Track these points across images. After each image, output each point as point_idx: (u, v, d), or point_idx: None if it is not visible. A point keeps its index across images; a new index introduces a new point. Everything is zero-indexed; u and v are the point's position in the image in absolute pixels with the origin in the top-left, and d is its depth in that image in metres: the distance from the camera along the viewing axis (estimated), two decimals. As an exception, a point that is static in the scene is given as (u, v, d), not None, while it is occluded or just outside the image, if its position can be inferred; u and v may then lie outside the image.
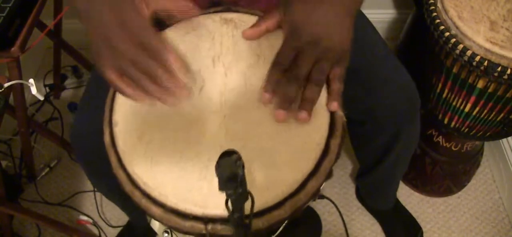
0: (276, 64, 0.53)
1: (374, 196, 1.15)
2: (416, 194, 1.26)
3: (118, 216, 1.21)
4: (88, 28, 0.52)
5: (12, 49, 0.86)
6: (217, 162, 0.38)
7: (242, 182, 0.38)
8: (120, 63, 0.49)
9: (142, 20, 0.51)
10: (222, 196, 0.38)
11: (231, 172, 0.37)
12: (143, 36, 0.50)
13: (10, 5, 0.87)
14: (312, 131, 0.51)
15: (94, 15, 0.51)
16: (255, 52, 0.58)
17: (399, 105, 0.77)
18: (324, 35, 0.51)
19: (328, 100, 0.53)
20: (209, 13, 0.63)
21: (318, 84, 0.51)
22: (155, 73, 0.49)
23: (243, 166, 0.38)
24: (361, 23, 0.83)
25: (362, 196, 1.22)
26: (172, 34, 0.61)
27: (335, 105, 0.52)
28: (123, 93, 0.51)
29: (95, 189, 1.24)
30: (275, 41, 0.59)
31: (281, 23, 0.57)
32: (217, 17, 0.62)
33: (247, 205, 0.41)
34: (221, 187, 0.38)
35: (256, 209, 0.45)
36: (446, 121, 0.99)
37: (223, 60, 0.58)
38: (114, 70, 0.50)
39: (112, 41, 0.49)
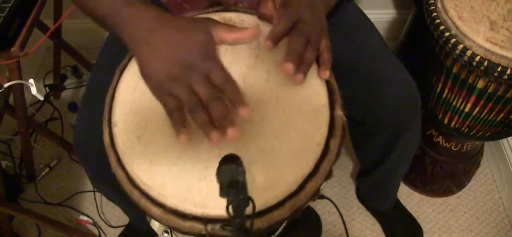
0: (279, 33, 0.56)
1: (375, 196, 1.15)
2: (416, 194, 1.25)
3: (118, 216, 1.21)
4: (149, 49, 0.51)
5: (12, 49, 0.86)
6: (218, 168, 0.38)
7: (243, 188, 0.38)
8: (190, 96, 0.48)
9: (223, 66, 0.50)
10: (222, 196, 0.38)
11: (232, 179, 0.37)
12: (225, 82, 0.49)
13: (10, 5, 0.87)
14: (311, 131, 0.51)
15: (165, 38, 0.51)
16: (254, 53, 0.58)
17: (400, 104, 0.77)
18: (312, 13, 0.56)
19: (320, 70, 0.55)
20: (208, 13, 0.63)
21: (316, 46, 0.54)
22: (221, 121, 0.47)
23: (244, 172, 0.38)
24: (362, 22, 0.83)
25: (362, 196, 1.22)
26: None
27: (327, 74, 0.55)
28: (179, 128, 0.48)
29: (96, 190, 1.24)
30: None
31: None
32: (216, 16, 0.62)
33: (248, 208, 0.41)
34: (222, 194, 0.38)
35: (256, 209, 0.45)
36: (446, 121, 0.99)
37: (222, 60, 0.57)
38: (177, 100, 0.49)
39: (193, 73, 0.48)
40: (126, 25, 0.53)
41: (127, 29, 0.53)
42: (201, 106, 0.48)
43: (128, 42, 0.53)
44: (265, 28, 0.61)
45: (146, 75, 0.51)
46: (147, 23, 0.52)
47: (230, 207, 0.39)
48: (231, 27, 0.54)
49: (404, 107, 0.78)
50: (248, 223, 0.41)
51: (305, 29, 0.54)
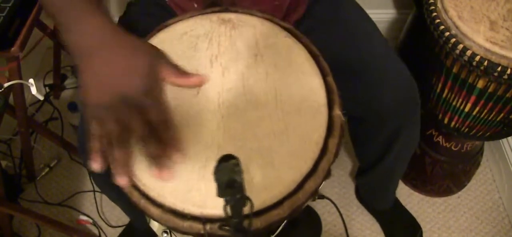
0: None
1: (374, 195, 1.14)
2: (416, 194, 1.25)
3: (118, 216, 1.21)
4: (87, 64, 0.46)
5: (12, 49, 0.86)
6: (215, 168, 0.38)
7: (241, 187, 0.38)
8: (117, 131, 0.43)
9: (164, 107, 0.46)
10: (221, 196, 0.38)
11: (229, 178, 0.37)
12: (161, 124, 0.44)
13: (10, 5, 0.87)
14: (310, 131, 0.51)
15: (107, 54, 0.46)
16: (252, 52, 0.58)
17: (399, 102, 0.77)
18: None
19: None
20: (207, 13, 0.63)
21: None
22: (159, 160, 0.44)
23: (242, 172, 0.38)
24: (361, 20, 0.83)
25: (361, 195, 1.22)
26: (169, 35, 0.61)
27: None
28: (92, 155, 0.44)
29: (98, 190, 1.24)
30: (273, 41, 0.59)
31: None
32: (214, 17, 0.62)
33: (246, 209, 0.40)
34: (220, 193, 0.38)
35: (254, 209, 0.45)
36: (446, 121, 0.99)
37: (220, 60, 0.58)
38: (104, 131, 0.44)
39: (128, 107, 0.43)
40: (74, 32, 0.48)
41: (75, 36, 0.48)
42: (128, 146, 0.44)
43: (72, 50, 0.48)
44: (265, 27, 0.61)
45: (82, 90, 0.46)
46: (96, 39, 0.47)
47: (227, 206, 0.39)
48: (178, 70, 0.49)
49: (404, 104, 0.78)
50: (246, 223, 0.41)
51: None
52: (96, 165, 0.44)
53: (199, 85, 0.51)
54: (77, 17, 0.48)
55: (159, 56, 0.49)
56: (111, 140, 0.43)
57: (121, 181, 0.43)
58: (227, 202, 0.38)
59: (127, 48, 0.47)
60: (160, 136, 0.44)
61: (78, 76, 0.47)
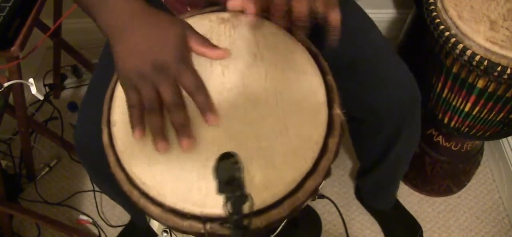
0: None
1: (374, 196, 1.14)
2: (416, 194, 1.25)
3: (117, 216, 1.21)
4: (122, 39, 0.51)
5: (12, 48, 0.85)
6: (215, 165, 0.38)
7: (241, 184, 0.38)
8: (152, 97, 0.49)
9: (195, 72, 0.51)
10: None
11: (229, 175, 0.37)
12: (195, 87, 0.50)
13: (10, 4, 0.87)
14: (310, 130, 0.51)
15: (141, 34, 0.51)
16: (252, 52, 0.58)
17: (400, 101, 0.77)
18: None
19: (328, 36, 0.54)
20: (206, 12, 0.63)
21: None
22: (180, 129, 0.49)
23: (242, 169, 0.38)
24: (362, 20, 0.83)
25: (362, 195, 1.22)
26: None
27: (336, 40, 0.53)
28: (133, 125, 0.50)
29: (98, 190, 1.24)
30: (273, 41, 0.59)
31: None
32: (214, 16, 0.62)
33: (246, 206, 0.40)
34: (220, 190, 0.38)
35: (254, 208, 0.45)
36: (446, 120, 0.99)
37: (220, 59, 0.57)
38: (138, 98, 0.49)
39: (162, 74, 0.49)
40: (105, 12, 0.53)
41: (106, 16, 0.53)
42: (160, 110, 0.49)
43: (104, 30, 0.53)
44: (265, 27, 0.61)
45: (116, 65, 0.52)
46: (126, 14, 0.52)
47: (227, 203, 0.38)
48: (204, 40, 0.56)
49: (404, 103, 0.78)
50: (246, 221, 0.41)
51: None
52: (138, 133, 0.49)
53: (221, 58, 0.56)
54: (112, 2, 0.53)
55: (186, 27, 0.54)
56: (146, 107, 0.49)
57: (160, 146, 0.48)
58: (227, 199, 0.38)
59: (157, 21, 0.53)
60: (194, 98, 0.50)
61: (113, 53, 0.52)
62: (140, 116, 0.49)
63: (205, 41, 0.56)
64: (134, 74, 0.50)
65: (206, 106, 0.50)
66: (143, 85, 0.49)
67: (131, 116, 0.50)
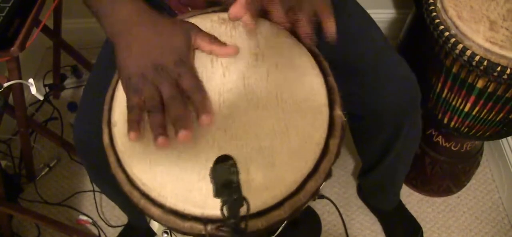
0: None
1: (375, 195, 1.14)
2: (416, 194, 1.26)
3: (117, 216, 1.21)
4: (124, 41, 0.53)
5: (12, 49, 0.85)
6: (212, 169, 0.38)
7: (237, 188, 0.38)
8: (153, 96, 0.50)
9: (195, 74, 0.53)
10: (221, 196, 0.38)
11: (225, 179, 0.37)
12: (193, 89, 0.50)
13: (9, 5, 0.87)
14: (311, 131, 0.51)
15: (143, 31, 0.53)
16: (253, 52, 0.58)
17: (400, 99, 0.76)
18: None
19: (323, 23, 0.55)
20: (207, 13, 0.63)
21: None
22: (176, 121, 0.49)
23: (238, 172, 0.38)
24: (362, 19, 0.83)
25: (364, 195, 1.22)
26: None
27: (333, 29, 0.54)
28: (131, 125, 0.50)
29: (98, 190, 1.24)
30: (274, 41, 0.59)
31: None
32: (215, 16, 0.62)
33: (243, 209, 0.40)
34: (216, 194, 0.37)
35: (255, 209, 0.45)
36: (445, 121, 0.99)
37: (221, 60, 0.57)
38: (139, 98, 0.50)
39: (162, 74, 0.50)
40: (108, 16, 0.55)
41: (109, 20, 0.55)
42: (161, 109, 0.49)
43: (108, 32, 0.55)
44: (266, 27, 0.61)
45: (119, 67, 0.53)
46: (128, 16, 0.54)
47: (224, 207, 0.38)
48: (212, 38, 0.57)
49: (405, 102, 0.77)
50: (243, 224, 0.41)
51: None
52: (133, 134, 0.49)
53: (231, 55, 0.57)
54: (115, 6, 0.55)
55: (190, 29, 0.56)
56: (147, 107, 0.49)
57: (161, 142, 0.48)
58: (224, 203, 0.38)
59: (161, 26, 0.54)
60: (192, 98, 0.50)
61: (116, 55, 0.53)
62: (138, 119, 0.50)
63: (213, 39, 0.57)
64: (135, 76, 0.51)
65: (201, 107, 0.50)
66: (145, 85, 0.50)
67: (129, 117, 0.50)
